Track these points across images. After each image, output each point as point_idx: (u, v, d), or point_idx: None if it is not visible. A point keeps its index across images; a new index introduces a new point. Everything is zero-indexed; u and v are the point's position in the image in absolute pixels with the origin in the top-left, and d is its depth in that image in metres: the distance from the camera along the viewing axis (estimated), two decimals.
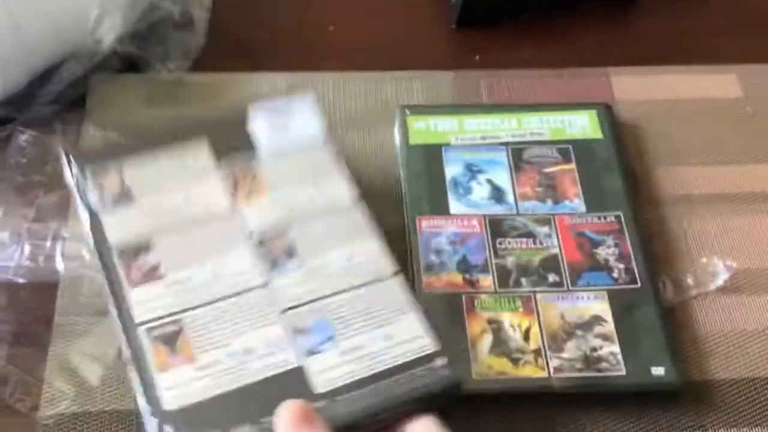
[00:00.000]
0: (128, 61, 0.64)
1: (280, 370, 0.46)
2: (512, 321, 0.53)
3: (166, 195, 0.52)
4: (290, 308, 0.49)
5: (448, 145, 0.60)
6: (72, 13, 0.60)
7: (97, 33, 0.60)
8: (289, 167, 0.54)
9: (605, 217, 0.57)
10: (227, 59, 0.66)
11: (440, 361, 0.48)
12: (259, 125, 0.55)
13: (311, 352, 0.47)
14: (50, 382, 0.51)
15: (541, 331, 0.53)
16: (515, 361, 0.51)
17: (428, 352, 0.48)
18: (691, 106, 0.66)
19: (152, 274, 0.49)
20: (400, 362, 0.47)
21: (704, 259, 0.58)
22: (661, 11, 0.73)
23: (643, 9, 0.73)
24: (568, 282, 0.55)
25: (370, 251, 0.51)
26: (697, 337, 0.55)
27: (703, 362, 0.54)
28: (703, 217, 0.60)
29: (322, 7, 0.71)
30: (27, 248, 0.56)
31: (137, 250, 0.50)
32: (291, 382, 0.46)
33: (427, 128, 0.61)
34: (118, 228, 0.50)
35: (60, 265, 0.56)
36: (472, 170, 0.59)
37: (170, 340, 0.47)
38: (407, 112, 0.62)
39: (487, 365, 0.51)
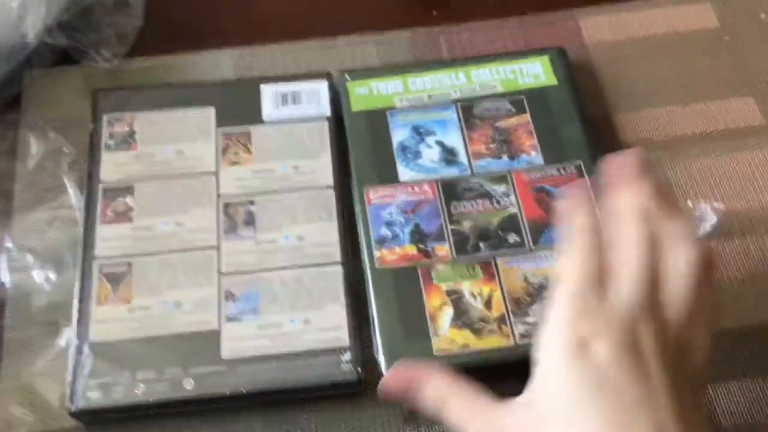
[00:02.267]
0: (62, 53, 0.59)
1: (199, 329, 0.48)
2: (473, 289, 0.49)
3: (162, 147, 0.55)
4: (229, 273, 0.50)
5: (393, 108, 0.56)
6: None
7: (21, 26, 0.55)
8: (280, 142, 0.55)
9: (565, 169, 0.53)
10: (167, 41, 0.61)
11: (347, 357, 0.48)
12: (267, 100, 0.57)
13: (231, 319, 0.49)
14: (4, 406, 0.47)
15: (504, 296, 0.49)
16: (478, 332, 0.48)
17: (339, 345, 0.48)
18: (666, 41, 0.61)
19: (123, 216, 0.52)
20: (309, 348, 0.48)
21: (690, 203, 0.53)
22: None
23: None
24: (530, 242, 0.51)
25: (324, 236, 0.52)
26: None
27: None
28: (686, 159, 0.56)
29: None
30: None
31: (119, 192, 0.53)
32: (203, 342, 0.48)
33: (369, 93, 0.57)
34: (112, 168, 0.54)
35: (6, 277, 0.51)
36: (420, 133, 0.55)
37: (116, 279, 0.50)
38: (347, 77, 0.58)
39: (449, 340, 0.48)
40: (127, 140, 0.55)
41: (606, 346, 0.37)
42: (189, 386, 0.47)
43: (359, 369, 0.47)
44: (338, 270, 0.50)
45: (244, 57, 0.61)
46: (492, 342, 0.48)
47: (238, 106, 0.56)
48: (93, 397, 0.46)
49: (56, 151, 0.55)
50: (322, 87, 0.57)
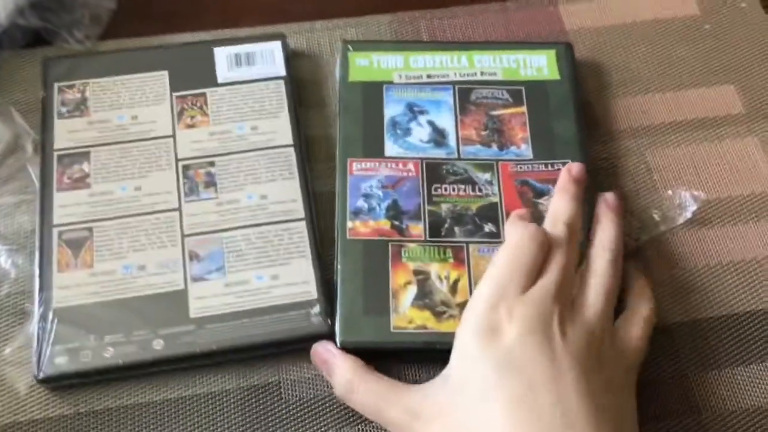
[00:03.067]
0: (34, 33, 0.57)
1: (164, 290, 0.48)
2: (440, 272, 0.49)
3: (117, 113, 0.53)
4: (192, 234, 0.50)
5: (390, 83, 0.55)
6: None
7: None
8: (237, 103, 0.54)
9: (552, 165, 0.53)
10: (141, 23, 0.59)
11: (316, 309, 0.47)
12: (221, 62, 0.56)
13: (197, 279, 0.48)
14: None
15: (470, 283, 0.48)
16: (439, 315, 0.47)
17: (308, 299, 0.48)
18: (647, 29, 0.60)
19: (80, 182, 0.51)
20: (278, 303, 0.48)
21: (669, 192, 0.54)
22: None
23: None
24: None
25: (286, 193, 0.51)
26: (671, 276, 0.51)
27: (678, 303, 0.50)
28: (666, 147, 0.56)
29: None
30: None
31: (75, 158, 0.52)
32: (170, 303, 0.47)
33: (369, 65, 0.56)
34: (66, 135, 0.52)
35: None
36: (413, 110, 0.55)
37: (77, 245, 0.49)
38: (350, 47, 0.56)
39: (408, 318, 0.48)
40: (80, 107, 0.53)
41: (515, 329, 0.41)
42: (159, 347, 0.46)
43: (329, 321, 0.47)
44: (302, 225, 0.50)
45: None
46: (450, 326, 0.47)
47: (192, 69, 0.55)
48: (60, 362, 0.45)
49: (22, 135, 0.53)
50: (276, 47, 0.56)
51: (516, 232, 0.45)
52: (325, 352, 0.46)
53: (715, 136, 0.56)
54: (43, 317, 0.46)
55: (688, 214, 0.53)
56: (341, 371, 0.44)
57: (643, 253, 0.52)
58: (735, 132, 0.57)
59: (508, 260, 0.44)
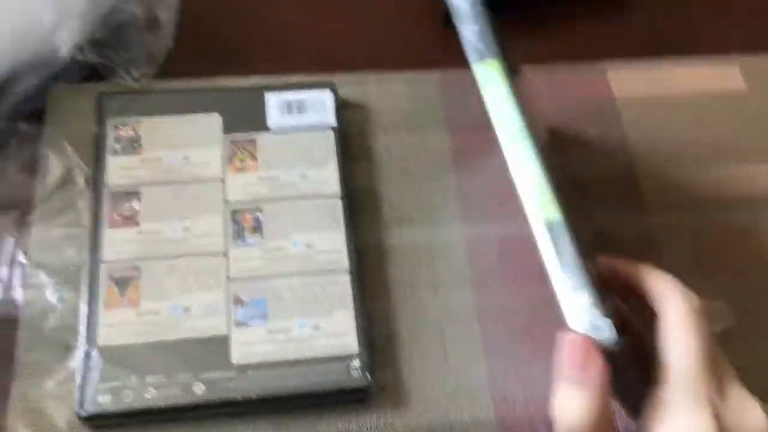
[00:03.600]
0: (91, 69, 0.57)
1: (208, 334, 0.48)
2: None
3: (168, 152, 0.54)
4: (237, 279, 0.50)
5: None
6: (26, 22, 0.53)
7: (54, 41, 0.54)
8: (286, 149, 0.55)
9: None
10: (196, 63, 0.60)
11: (356, 363, 0.48)
12: (272, 108, 0.56)
13: (241, 324, 0.48)
14: (13, 428, 0.46)
15: None
16: None
17: (348, 352, 0.48)
18: (693, 101, 0.61)
19: (131, 220, 0.51)
20: (319, 354, 0.48)
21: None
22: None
23: None
24: None
25: (332, 244, 0.51)
26: None
27: None
28: (705, 223, 0.56)
29: (298, 5, 0.64)
30: None
31: (126, 195, 0.52)
32: (213, 347, 0.47)
33: None
34: (118, 172, 0.53)
35: (19, 295, 0.50)
36: None
37: (124, 283, 0.49)
38: None
39: None
40: (133, 145, 0.54)
41: None
42: (199, 391, 0.46)
43: (368, 375, 0.47)
44: (346, 278, 0.50)
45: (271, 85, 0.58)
46: None
47: (243, 113, 0.56)
48: (103, 401, 0.45)
49: (74, 168, 0.54)
50: (327, 96, 0.57)
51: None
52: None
53: (759, 215, 0.56)
54: (88, 354, 0.47)
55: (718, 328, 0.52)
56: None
57: None
58: None
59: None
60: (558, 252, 0.39)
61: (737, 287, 0.53)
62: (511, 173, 0.41)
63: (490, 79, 0.43)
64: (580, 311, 0.38)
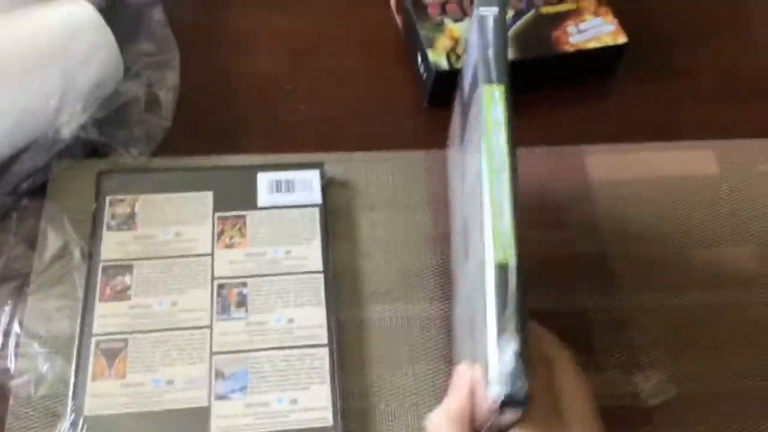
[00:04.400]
0: (92, 146, 0.60)
1: (189, 406, 0.49)
2: None
3: (161, 229, 0.56)
4: (220, 353, 0.52)
5: None
6: (32, 103, 0.56)
7: (57, 122, 0.57)
8: (274, 227, 0.57)
9: None
10: (194, 142, 0.62)
11: None
12: (263, 187, 0.59)
13: (221, 397, 0.50)
14: None
15: None
16: None
17: (323, 425, 0.49)
18: (667, 185, 0.62)
19: (122, 294, 0.53)
20: (294, 427, 0.49)
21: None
22: (638, 84, 0.69)
23: (622, 83, 0.69)
24: None
25: (313, 318, 0.53)
26: None
27: None
28: (679, 305, 0.57)
29: (294, 87, 0.67)
30: None
31: (119, 270, 0.54)
32: (194, 419, 0.49)
33: None
34: (113, 247, 0.55)
35: (12, 363, 0.52)
36: None
37: (112, 355, 0.51)
38: None
39: None
40: (128, 221, 0.57)
41: None
42: None
43: None
44: (324, 351, 0.52)
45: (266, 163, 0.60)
46: None
47: (235, 192, 0.58)
48: None
49: (71, 242, 0.56)
50: (314, 176, 0.59)
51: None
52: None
53: (732, 297, 0.57)
54: (74, 424, 0.48)
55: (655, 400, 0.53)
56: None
57: None
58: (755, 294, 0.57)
59: None
60: (503, 294, 0.38)
61: (705, 365, 0.54)
62: (483, 200, 0.40)
63: (494, 102, 0.43)
64: (504, 357, 0.37)
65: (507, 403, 0.36)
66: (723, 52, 0.72)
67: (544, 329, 0.45)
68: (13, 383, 0.51)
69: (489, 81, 0.43)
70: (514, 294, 0.38)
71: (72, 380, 0.50)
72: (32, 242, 0.57)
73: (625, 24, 0.67)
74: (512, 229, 0.39)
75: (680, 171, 0.63)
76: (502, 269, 0.38)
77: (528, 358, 0.36)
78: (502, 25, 0.45)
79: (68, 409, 0.49)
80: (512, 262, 0.38)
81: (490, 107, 0.43)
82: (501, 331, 0.37)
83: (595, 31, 0.66)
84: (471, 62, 0.48)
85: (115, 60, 0.60)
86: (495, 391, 0.36)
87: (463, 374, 0.41)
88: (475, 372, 0.40)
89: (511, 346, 0.36)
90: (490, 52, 0.44)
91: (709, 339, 0.56)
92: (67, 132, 0.58)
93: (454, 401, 0.41)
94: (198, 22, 0.70)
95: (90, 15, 0.59)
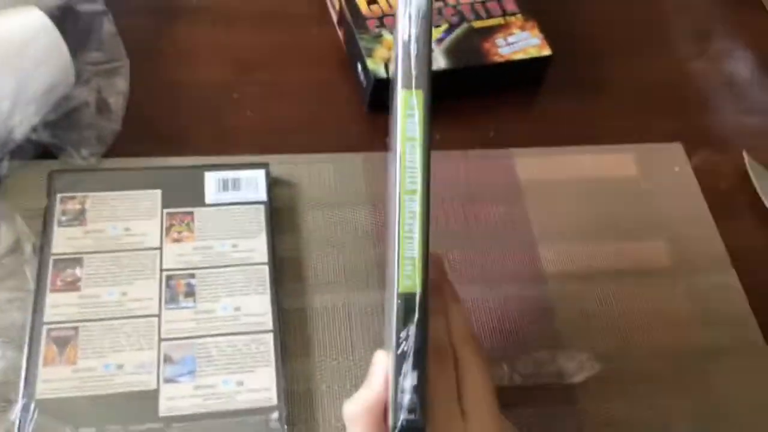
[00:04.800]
0: (43, 147, 0.62)
1: (138, 389, 0.51)
2: None
3: (111, 224, 0.58)
4: (169, 339, 0.54)
5: None
6: None
7: (9, 124, 0.58)
8: (221, 222, 0.59)
9: None
10: (143, 145, 0.64)
11: (275, 416, 0.51)
12: (210, 185, 0.61)
13: (169, 380, 0.52)
14: None
15: None
16: None
17: (268, 405, 0.51)
18: (590, 185, 0.67)
19: (72, 285, 0.55)
20: (240, 407, 0.51)
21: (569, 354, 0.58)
22: (563, 93, 0.74)
23: (547, 93, 0.74)
24: None
25: (258, 307, 0.55)
26: None
27: None
28: (599, 292, 0.61)
29: (242, 94, 0.69)
30: None
31: (70, 263, 0.56)
32: (143, 401, 0.51)
33: None
34: (64, 241, 0.57)
35: None
36: None
37: (63, 343, 0.53)
38: None
39: None
40: (79, 217, 0.58)
41: None
42: None
43: (285, 427, 0.51)
44: (269, 337, 0.54)
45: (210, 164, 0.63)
46: None
47: (183, 190, 0.60)
48: None
49: (23, 238, 0.58)
50: (259, 175, 0.62)
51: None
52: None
53: (643, 284, 0.62)
54: (26, 407, 0.50)
55: (581, 377, 0.57)
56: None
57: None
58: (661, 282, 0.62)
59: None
60: (405, 324, 0.37)
61: (620, 345, 0.59)
62: (394, 219, 0.38)
63: (410, 110, 0.39)
64: (404, 386, 0.37)
65: (405, 429, 0.36)
66: (640, 65, 0.78)
67: (460, 315, 0.45)
68: None
69: (407, 86, 0.39)
70: (415, 326, 0.37)
71: (24, 366, 0.51)
72: None
73: (550, 39, 0.71)
74: (421, 256, 0.37)
75: (602, 172, 0.68)
76: (407, 299, 0.37)
77: (424, 392, 0.37)
78: (428, 22, 0.39)
79: (20, 393, 0.50)
80: (418, 291, 0.37)
81: (405, 119, 0.38)
82: (400, 361, 0.37)
83: (522, 43, 0.71)
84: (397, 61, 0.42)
85: (67, 66, 0.62)
86: (393, 418, 0.36)
87: (380, 362, 0.40)
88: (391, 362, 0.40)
89: (408, 381, 0.36)
90: (413, 49, 0.39)
91: (620, 323, 0.60)
92: (19, 133, 0.60)
93: (369, 392, 0.40)
94: (146, 34, 0.72)
95: (43, 22, 0.61)
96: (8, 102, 0.59)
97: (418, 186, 0.38)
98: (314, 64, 0.74)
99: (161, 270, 0.57)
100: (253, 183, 0.62)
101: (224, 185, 0.61)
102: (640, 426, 0.55)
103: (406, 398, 0.36)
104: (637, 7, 0.83)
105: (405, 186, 0.38)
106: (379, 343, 0.56)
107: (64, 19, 0.65)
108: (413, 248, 0.37)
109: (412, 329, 0.36)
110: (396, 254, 0.37)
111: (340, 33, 0.75)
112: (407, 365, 0.37)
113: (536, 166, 0.67)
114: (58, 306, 0.54)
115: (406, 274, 0.37)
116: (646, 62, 0.78)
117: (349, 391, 0.54)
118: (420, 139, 0.38)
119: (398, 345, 0.37)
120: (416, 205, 0.37)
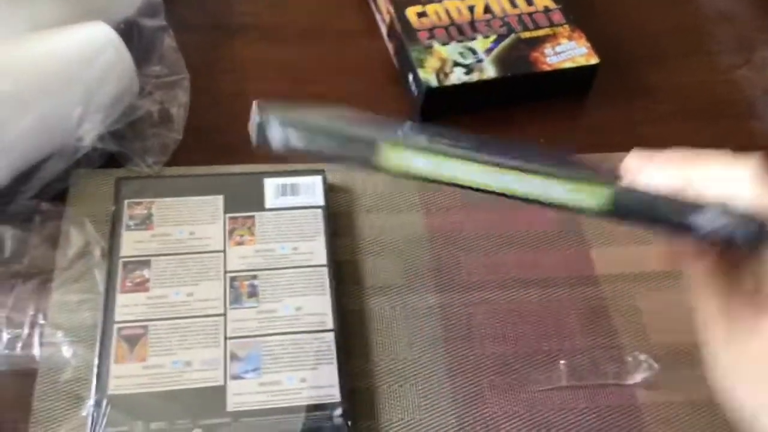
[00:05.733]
0: (109, 156, 0.63)
1: (206, 385, 0.52)
2: None
3: (176, 228, 0.60)
4: (234, 337, 0.54)
5: None
6: (56, 115, 0.60)
7: (79, 132, 0.60)
8: (280, 226, 0.60)
9: None
10: (203, 154, 0.66)
11: (338, 412, 0.52)
12: (270, 191, 0.62)
13: (236, 377, 0.53)
14: None
15: None
16: None
17: (332, 401, 0.52)
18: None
19: (141, 286, 0.56)
20: (305, 403, 0.52)
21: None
22: (611, 102, 0.74)
23: (595, 100, 0.74)
24: None
25: (318, 307, 0.56)
26: None
27: None
28: None
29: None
30: (5, 336, 0.54)
31: (138, 265, 0.57)
32: (211, 397, 0.52)
33: None
34: (131, 245, 0.58)
35: (37, 351, 0.54)
36: None
37: (133, 341, 0.54)
38: None
39: None
40: (145, 221, 0.60)
41: None
42: None
43: (349, 423, 0.51)
44: (330, 336, 0.55)
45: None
46: None
47: (244, 195, 0.62)
48: None
49: (92, 242, 0.59)
50: (317, 181, 0.63)
51: None
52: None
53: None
54: (98, 403, 0.51)
55: (639, 378, 0.56)
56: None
57: None
58: None
59: None
60: None
61: (678, 344, 0.58)
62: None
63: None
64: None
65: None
66: (685, 72, 0.78)
67: None
68: (39, 369, 0.54)
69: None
70: None
71: (96, 363, 0.53)
72: (54, 242, 0.60)
73: (596, 47, 0.72)
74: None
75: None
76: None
77: None
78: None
79: (92, 389, 0.51)
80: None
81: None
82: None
83: (570, 53, 0.71)
84: None
85: (132, 77, 0.64)
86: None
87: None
88: None
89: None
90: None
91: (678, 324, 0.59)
92: (87, 141, 0.61)
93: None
94: (204, 49, 0.74)
95: (110, 36, 0.63)
96: (78, 110, 0.60)
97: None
98: (364, 76, 0.75)
99: (225, 272, 0.58)
100: (310, 188, 0.63)
101: (283, 190, 0.62)
102: (701, 425, 0.55)
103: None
104: (681, 16, 0.83)
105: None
106: (435, 343, 0.57)
107: (129, 34, 0.67)
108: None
109: None
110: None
111: (389, 46, 0.76)
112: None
113: None
114: (127, 306, 0.55)
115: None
116: (692, 69, 0.78)
117: (409, 390, 0.55)
118: None
119: None
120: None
